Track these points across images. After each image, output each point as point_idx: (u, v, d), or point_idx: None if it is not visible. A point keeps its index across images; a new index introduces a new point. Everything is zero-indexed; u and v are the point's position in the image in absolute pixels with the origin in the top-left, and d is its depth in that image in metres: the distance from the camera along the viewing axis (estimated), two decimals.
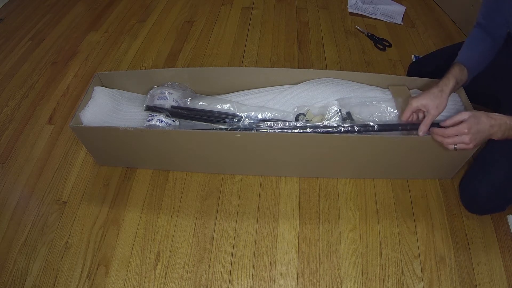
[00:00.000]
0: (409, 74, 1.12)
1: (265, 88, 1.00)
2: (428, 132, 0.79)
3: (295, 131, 0.85)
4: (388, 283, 0.80)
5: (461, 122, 0.72)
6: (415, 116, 0.84)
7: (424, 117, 0.80)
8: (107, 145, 0.95)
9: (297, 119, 0.90)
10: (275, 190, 0.97)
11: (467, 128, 0.71)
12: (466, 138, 0.71)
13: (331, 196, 0.95)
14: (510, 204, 0.87)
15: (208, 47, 1.46)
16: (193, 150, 0.93)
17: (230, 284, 0.81)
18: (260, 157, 0.93)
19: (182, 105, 0.98)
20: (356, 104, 0.92)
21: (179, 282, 0.81)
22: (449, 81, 0.80)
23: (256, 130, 0.89)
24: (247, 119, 0.91)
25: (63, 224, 0.92)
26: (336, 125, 0.84)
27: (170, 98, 0.96)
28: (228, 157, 0.94)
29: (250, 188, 0.97)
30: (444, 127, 0.74)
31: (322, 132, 0.84)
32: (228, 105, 0.95)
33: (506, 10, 0.81)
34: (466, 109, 0.88)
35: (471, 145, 0.72)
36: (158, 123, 0.92)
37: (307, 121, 0.88)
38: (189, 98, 0.99)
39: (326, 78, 0.98)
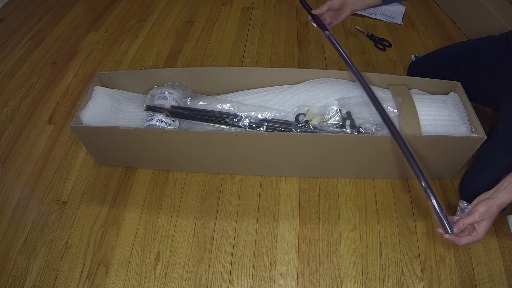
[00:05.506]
0: (409, 74, 1.12)
1: (265, 88, 1.00)
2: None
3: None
4: (388, 283, 0.80)
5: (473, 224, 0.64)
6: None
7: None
8: (107, 145, 0.95)
9: (297, 119, 0.90)
10: (275, 190, 0.97)
11: (482, 234, 0.64)
12: (478, 238, 0.64)
13: (331, 196, 0.95)
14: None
15: (208, 47, 1.46)
16: (193, 150, 0.93)
17: (230, 284, 0.81)
18: (260, 157, 0.93)
19: (182, 105, 0.98)
20: (356, 104, 0.92)
21: (179, 282, 0.81)
22: None
23: (256, 130, 0.89)
24: (247, 119, 0.91)
25: (63, 224, 0.92)
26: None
27: (170, 98, 0.96)
28: (228, 157, 0.94)
29: (250, 188, 0.97)
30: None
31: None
32: (228, 105, 0.95)
33: None
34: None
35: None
36: (158, 123, 0.92)
37: (307, 121, 0.88)
38: (189, 98, 0.99)
39: (326, 78, 0.98)
